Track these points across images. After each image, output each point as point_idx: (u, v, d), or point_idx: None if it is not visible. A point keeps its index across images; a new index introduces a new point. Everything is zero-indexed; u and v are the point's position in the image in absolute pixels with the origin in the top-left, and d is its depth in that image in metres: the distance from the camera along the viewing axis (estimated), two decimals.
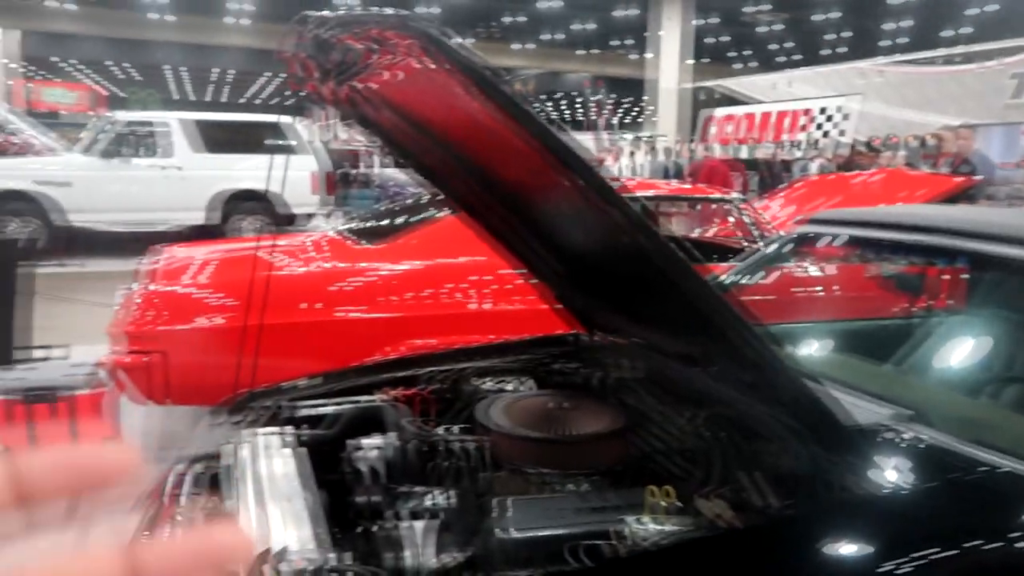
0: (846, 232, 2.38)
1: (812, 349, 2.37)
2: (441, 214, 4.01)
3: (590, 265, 1.78)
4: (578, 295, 2.07)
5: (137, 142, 9.56)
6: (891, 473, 1.31)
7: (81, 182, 9.01)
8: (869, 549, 1.21)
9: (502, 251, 2.09)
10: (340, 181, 12.87)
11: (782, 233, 3.47)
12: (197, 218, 9.45)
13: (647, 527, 1.34)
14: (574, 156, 1.13)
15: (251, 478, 1.53)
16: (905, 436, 1.44)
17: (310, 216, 10.31)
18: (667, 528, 1.34)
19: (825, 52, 29.78)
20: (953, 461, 1.38)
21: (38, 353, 4.69)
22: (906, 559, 1.13)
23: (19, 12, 25.69)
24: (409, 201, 4.94)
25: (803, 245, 2.52)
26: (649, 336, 1.83)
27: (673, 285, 1.18)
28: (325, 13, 1.36)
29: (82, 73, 35.97)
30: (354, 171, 14.62)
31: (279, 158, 9.64)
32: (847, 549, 1.22)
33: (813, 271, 3.33)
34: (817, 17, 25.19)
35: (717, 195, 4.38)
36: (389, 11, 1.18)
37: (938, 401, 1.79)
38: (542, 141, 1.13)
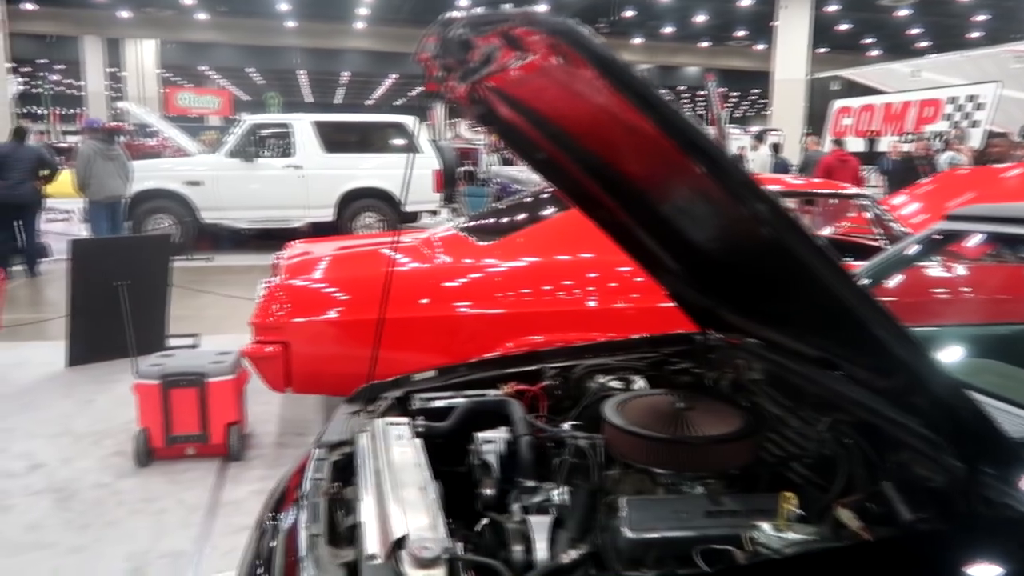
0: (988, 229, 2.22)
1: (952, 354, 2.22)
2: (553, 211, 4.03)
3: (717, 261, 1.73)
4: (698, 293, 2.02)
5: (263, 143, 10.10)
6: None
7: (211, 181, 9.60)
8: (1014, 572, 1.12)
9: (622, 248, 2.08)
10: (461, 178, 13.20)
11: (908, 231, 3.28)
12: (321, 215, 9.88)
13: (783, 535, 1.29)
14: (714, 148, 1.10)
15: (374, 466, 1.58)
16: None
17: (433, 213, 10.62)
18: (800, 536, 1.29)
19: (970, 37, 27.85)
20: None
21: (184, 341, 5.07)
22: None
23: (158, 24, 27.64)
24: (524, 199, 4.98)
25: (940, 243, 2.37)
26: (776, 336, 1.77)
27: (817, 282, 1.12)
28: (462, 13, 1.39)
29: (218, 79, 38.32)
30: (473, 169, 14.93)
31: (406, 156, 9.99)
32: (991, 571, 1.13)
33: (952, 270, 3.12)
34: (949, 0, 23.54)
35: (848, 191, 4.18)
36: (523, 9, 1.19)
37: None
38: (681, 133, 1.11)
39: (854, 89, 19.13)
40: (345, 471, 1.70)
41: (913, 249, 2.37)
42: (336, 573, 1.29)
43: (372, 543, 1.29)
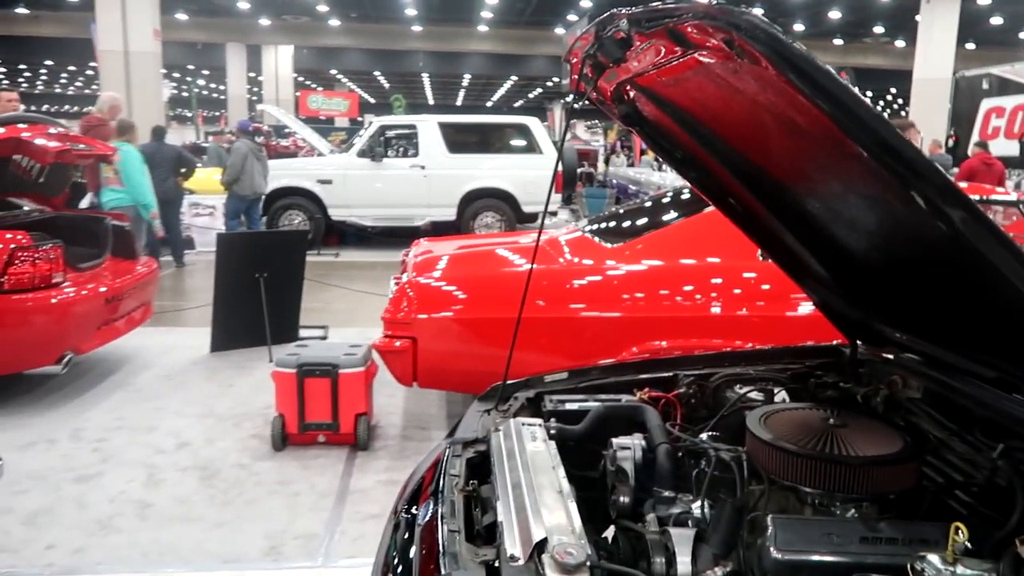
0: None
1: None
2: (677, 216, 3.94)
3: (876, 270, 1.63)
4: (848, 303, 1.91)
5: (389, 144, 10.44)
6: None
7: (340, 180, 10.00)
8: None
9: (767, 253, 2.00)
10: (581, 180, 13.20)
11: None
12: (443, 214, 10.11)
13: (954, 569, 1.19)
14: (909, 148, 1.02)
15: (510, 466, 1.57)
16: None
17: (552, 214, 10.67)
18: (974, 572, 1.18)
19: None
20: None
21: (315, 332, 5.31)
22: None
23: (294, 30, 29.12)
24: (648, 202, 4.90)
25: None
26: (941, 352, 1.64)
27: (1011, 293, 1.02)
28: (624, 9, 1.36)
29: (346, 82, 40.00)
30: (592, 170, 14.90)
31: (526, 157, 10.09)
32: None
33: None
34: None
35: (1005, 196, 3.86)
36: (694, 2, 1.14)
37: None
38: (872, 132, 1.04)
39: (1007, 87, 17.71)
40: (479, 469, 1.70)
41: None
42: (476, 571, 1.29)
43: (512, 544, 1.28)
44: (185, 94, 34.63)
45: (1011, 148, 16.25)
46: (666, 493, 1.63)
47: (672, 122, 1.73)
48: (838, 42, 31.07)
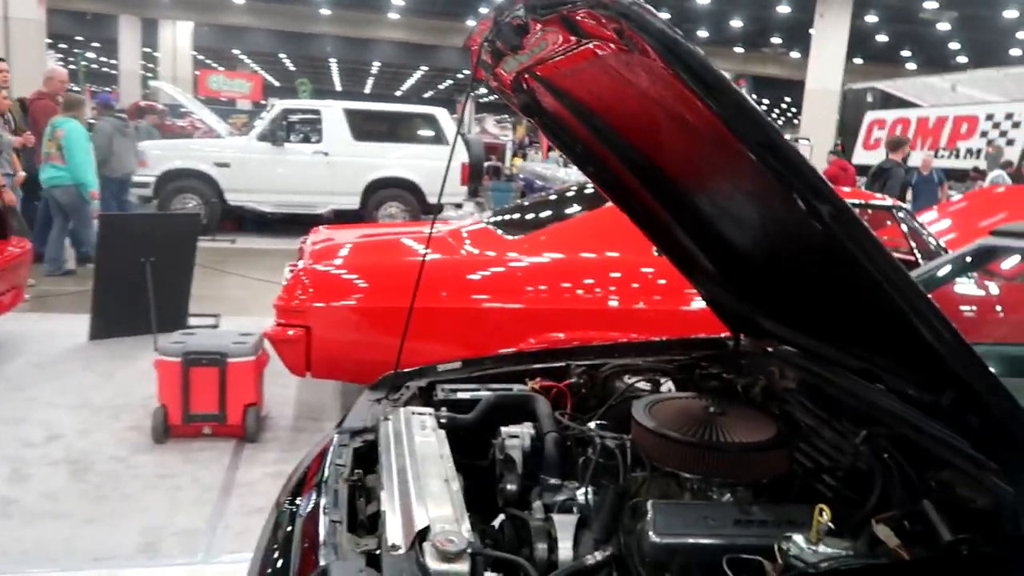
0: None
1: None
2: (580, 209, 4.00)
3: (759, 265, 1.69)
4: (734, 297, 1.98)
5: (292, 128, 10.13)
6: None
7: (239, 164, 9.64)
8: None
9: (659, 246, 2.04)
10: (488, 173, 13.20)
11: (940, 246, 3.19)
12: (347, 203, 9.90)
13: (816, 548, 1.25)
14: (784, 144, 1.05)
15: (397, 455, 1.55)
16: None
17: (458, 206, 10.61)
18: (834, 551, 1.24)
19: (1009, 53, 27.33)
20: None
21: (205, 320, 5.09)
22: None
23: (194, 5, 27.84)
24: (551, 195, 4.95)
25: (984, 259, 2.30)
26: (815, 345, 1.72)
27: (883, 295, 1.07)
28: None
29: (250, 63, 38.60)
30: (499, 164, 14.93)
31: (432, 148, 9.99)
32: None
33: (994, 288, 3.04)
34: (992, 14, 23.09)
35: (880, 202, 4.10)
36: None
37: None
38: (752, 127, 1.05)
39: (889, 101, 18.89)
40: (366, 459, 1.67)
41: (956, 264, 2.30)
42: (356, 561, 1.27)
43: (394, 533, 1.26)
44: (72, 67, 32.55)
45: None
46: (552, 481, 1.65)
47: (569, 114, 1.74)
48: (739, 50, 32.33)
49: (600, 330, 3.43)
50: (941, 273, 2.28)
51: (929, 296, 1.07)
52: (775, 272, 1.68)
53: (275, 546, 1.62)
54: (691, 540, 1.38)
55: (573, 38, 1.27)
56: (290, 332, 3.34)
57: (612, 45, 1.17)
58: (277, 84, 43.59)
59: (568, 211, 4.18)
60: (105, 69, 40.72)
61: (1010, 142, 14.49)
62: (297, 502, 1.69)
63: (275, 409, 3.93)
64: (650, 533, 1.39)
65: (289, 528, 1.59)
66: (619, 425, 1.78)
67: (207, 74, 29.01)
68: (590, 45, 1.26)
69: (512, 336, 3.40)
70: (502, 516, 1.56)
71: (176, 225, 5.59)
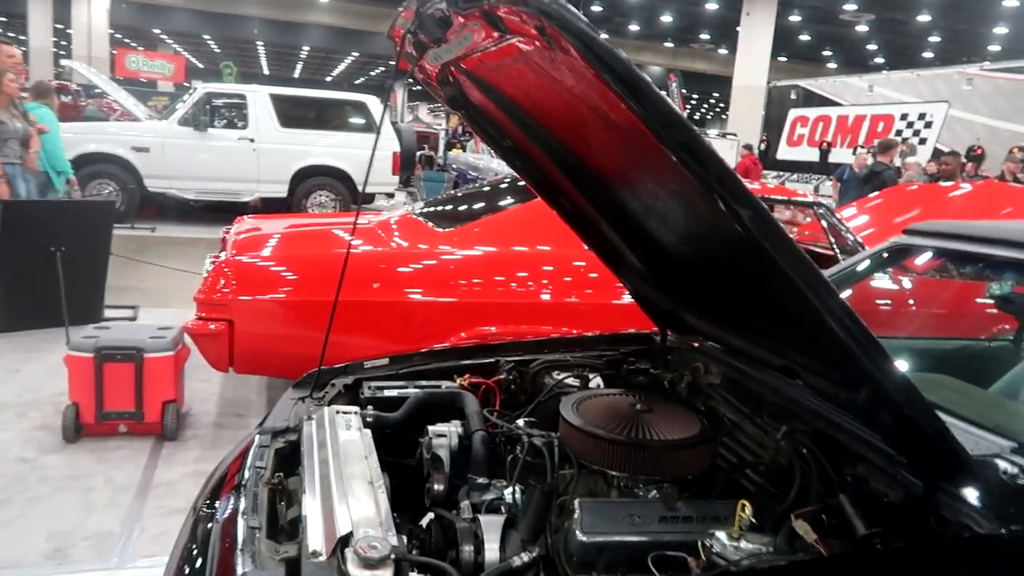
0: (944, 245, 2.24)
1: (902, 367, 2.24)
2: (512, 202, 3.99)
3: (684, 262, 1.70)
4: (660, 293, 1.99)
5: (216, 113, 9.80)
6: (1001, 510, 1.20)
7: (158, 148, 9.27)
8: None
9: (586, 242, 2.04)
10: (420, 163, 13.06)
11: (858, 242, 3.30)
12: (273, 191, 9.64)
13: (738, 544, 1.27)
14: (702, 144, 1.05)
15: (320, 456, 1.51)
16: (1010, 469, 1.32)
17: (389, 196, 10.46)
18: (755, 547, 1.27)
19: (923, 55, 28.55)
20: None
21: (123, 313, 4.87)
22: None
23: None
24: (484, 187, 4.92)
25: (897, 257, 2.39)
26: (738, 341, 1.75)
27: (795, 291, 1.09)
28: None
29: (172, 44, 37.14)
30: (432, 154, 14.79)
31: (365, 136, 9.82)
32: None
33: (906, 284, 3.16)
34: (907, 18, 24.11)
35: (802, 199, 4.22)
36: None
37: None
38: (669, 127, 1.06)
39: (811, 99, 19.51)
40: (289, 460, 1.63)
41: (871, 262, 2.38)
42: (275, 569, 1.22)
43: (315, 539, 1.23)
44: None
45: (813, 155, 17.96)
46: (480, 480, 1.64)
47: (496, 108, 1.72)
48: (669, 45, 32.88)
49: (533, 324, 3.43)
50: (858, 270, 2.36)
51: (840, 295, 1.09)
52: (698, 269, 1.70)
53: (190, 553, 1.56)
54: (617, 538, 1.39)
55: (496, 33, 1.25)
56: (211, 326, 3.22)
57: (536, 42, 1.16)
58: (201, 66, 42.13)
59: (499, 204, 4.16)
60: (14, 46, 38.53)
61: (923, 141, 15.16)
62: (215, 506, 1.63)
63: (196, 405, 3.80)
64: (577, 532, 1.39)
65: (206, 532, 1.53)
66: (548, 422, 1.78)
67: (125, 53, 27.75)
68: (513, 41, 1.24)
69: (443, 330, 3.37)
70: (431, 516, 1.54)
71: (88, 213, 5.31)
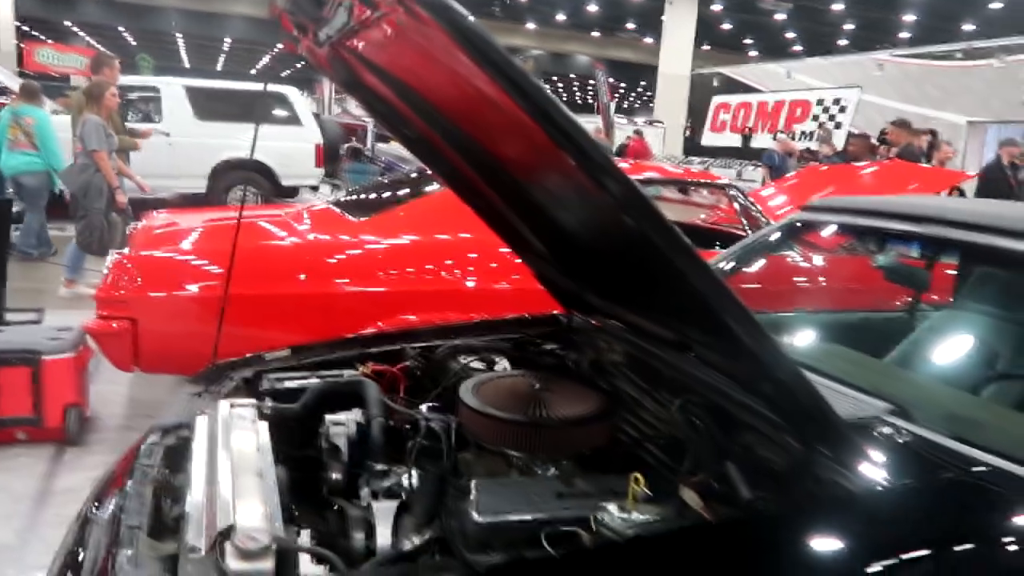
0: (840, 220, 2.32)
1: (796, 339, 2.30)
2: (430, 188, 3.94)
3: (579, 244, 1.71)
4: (563, 275, 2.00)
5: (128, 106, 9.41)
6: (872, 469, 1.25)
7: (67, 145, 8.85)
8: (846, 548, 1.15)
9: (491, 227, 2.03)
10: (346, 155, 12.82)
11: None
12: (192, 186, 9.32)
13: (628, 516, 1.28)
14: (573, 128, 1.04)
15: (209, 451, 1.46)
16: (886, 431, 1.37)
17: (314, 188, 10.25)
18: (645, 517, 1.28)
19: (839, 42, 29.49)
20: (937, 458, 1.32)
21: (26, 316, 4.62)
22: (885, 560, 1.08)
23: None
24: (401, 176, 4.86)
25: (795, 233, 2.45)
26: (636, 319, 1.77)
27: (673, 269, 1.10)
28: None
29: (85, 36, 35.56)
30: (360, 146, 14.53)
31: (285, 129, 9.58)
32: (824, 547, 1.16)
33: (803, 260, 3.26)
34: (823, 6, 24.89)
35: (711, 180, 4.31)
36: None
37: (923, 396, 1.73)
38: (538, 111, 1.04)
39: (733, 86, 19.99)
40: (179, 457, 1.57)
41: (771, 238, 2.44)
42: (153, 568, 1.18)
43: (194, 535, 1.18)
44: None
45: (736, 140, 18.42)
46: (379, 467, 1.61)
47: (390, 92, 1.68)
48: (596, 34, 33.16)
49: (458, 312, 3.38)
50: (757, 246, 2.41)
51: (713, 271, 1.11)
52: (594, 250, 1.71)
53: (73, 557, 1.49)
54: (514, 517, 1.39)
55: (368, 11, 1.22)
56: (113, 325, 3.09)
57: (402, 16, 1.13)
58: (119, 60, 40.48)
59: (419, 191, 4.11)
60: None
61: (838, 125, 15.71)
62: (101, 507, 1.57)
63: (103, 408, 3.64)
64: (473, 513, 1.38)
65: (89, 536, 1.47)
66: (454, 407, 1.76)
67: (34, 47, 26.45)
68: (386, 19, 1.21)
69: (362, 320, 3.31)
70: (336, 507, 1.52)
71: None
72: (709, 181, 4.39)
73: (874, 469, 1.24)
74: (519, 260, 3.48)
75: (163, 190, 9.25)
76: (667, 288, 1.37)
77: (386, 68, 1.58)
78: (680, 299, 1.33)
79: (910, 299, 2.54)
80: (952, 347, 2.11)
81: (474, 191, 1.90)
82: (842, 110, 16.06)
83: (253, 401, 1.73)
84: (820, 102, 16.66)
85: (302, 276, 3.31)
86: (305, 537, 1.47)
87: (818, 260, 3.04)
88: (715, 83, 20.67)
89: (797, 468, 1.28)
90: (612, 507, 1.34)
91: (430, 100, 1.61)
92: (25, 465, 3.07)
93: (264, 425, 1.61)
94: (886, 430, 1.39)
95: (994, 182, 8.57)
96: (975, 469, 1.28)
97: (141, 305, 3.11)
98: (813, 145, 13.25)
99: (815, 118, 16.55)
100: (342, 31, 1.44)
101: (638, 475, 1.41)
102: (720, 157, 17.94)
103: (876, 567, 1.07)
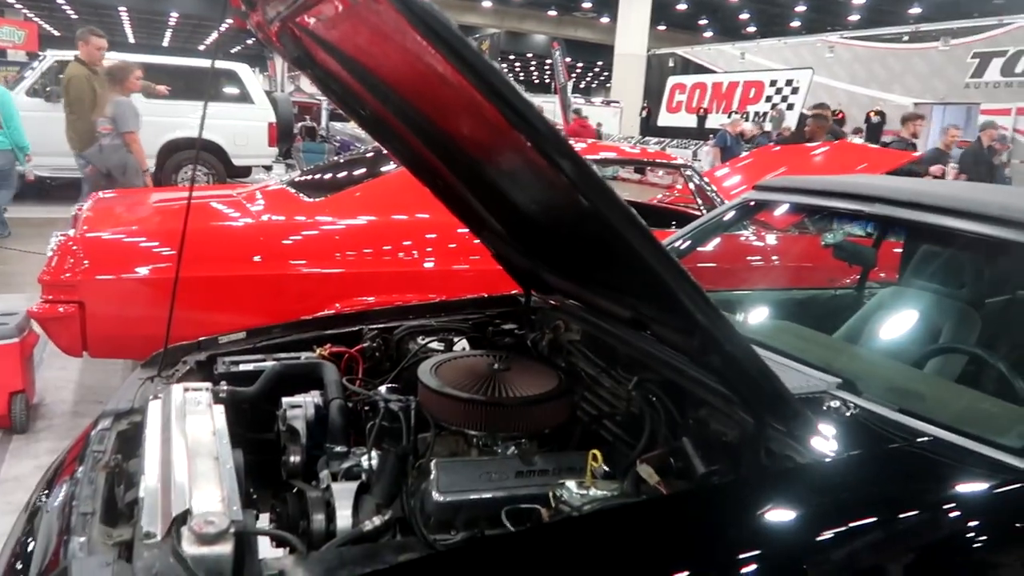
0: (789, 199, 2.36)
1: (749, 316, 2.35)
2: (387, 168, 3.90)
3: (535, 223, 1.71)
4: (520, 254, 2.00)
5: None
6: (820, 441, 1.28)
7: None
8: (796, 517, 1.18)
9: (448, 207, 2.02)
10: (300, 134, 12.60)
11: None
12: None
13: (586, 492, 1.30)
14: (526, 107, 1.03)
15: (162, 436, 1.44)
16: (833, 404, 1.42)
17: (267, 168, 10.04)
18: (602, 493, 1.30)
19: (792, 24, 29.84)
20: (881, 429, 1.36)
21: None
22: (832, 529, 1.11)
23: None
24: (357, 155, 4.80)
25: (748, 212, 2.49)
26: (591, 297, 1.78)
27: (627, 246, 1.11)
28: None
29: (21, 9, 34.11)
30: (314, 125, 14.27)
31: (236, 107, 9.36)
32: (775, 517, 1.19)
33: (756, 238, 3.31)
34: None
35: (667, 160, 4.35)
36: None
37: (870, 370, 1.79)
38: (491, 91, 1.03)
39: (688, 67, 20.13)
40: (131, 442, 1.54)
41: (723, 217, 2.48)
42: (107, 554, 1.16)
43: (150, 520, 1.17)
44: None
45: (691, 121, 18.58)
46: (338, 448, 1.61)
47: (342, 70, 1.65)
48: (552, 13, 33.01)
49: (417, 293, 3.36)
50: (710, 225, 2.45)
51: (664, 248, 1.12)
52: (549, 228, 1.72)
53: (23, 546, 1.46)
54: (474, 496, 1.40)
55: None
56: (60, 309, 3.00)
57: None
58: (57, 34, 38.98)
59: (370, 172, 4.06)
60: None
61: (790, 106, 15.95)
62: (52, 494, 1.53)
63: (50, 394, 3.55)
64: (433, 492, 1.39)
65: (39, 524, 1.44)
66: (412, 387, 1.76)
67: None
68: None
69: (318, 302, 3.27)
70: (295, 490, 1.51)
71: None
72: (665, 161, 4.42)
73: (824, 441, 1.28)
74: (476, 240, 3.50)
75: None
76: (620, 265, 1.38)
77: (338, 45, 1.56)
78: (633, 276, 1.34)
79: (855, 276, 2.61)
80: (898, 323, 2.18)
81: (429, 170, 1.89)
82: (795, 91, 16.31)
83: (208, 385, 1.70)
84: (773, 83, 16.89)
85: (256, 258, 3.26)
86: (264, 521, 1.47)
87: (771, 239, 3.09)
88: (670, 63, 20.78)
89: (749, 441, 1.32)
90: (571, 483, 1.36)
91: (383, 78, 1.59)
92: None
93: (220, 409, 1.58)
94: (834, 403, 1.43)
95: (976, 164, 8.93)
96: (919, 440, 1.33)
97: (89, 288, 3.03)
98: (767, 126, 13.46)
99: (768, 99, 16.78)
100: (292, 7, 1.41)
101: (596, 452, 1.44)
102: (676, 137, 18.09)
103: (827, 535, 1.10)
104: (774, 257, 3.33)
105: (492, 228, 2.01)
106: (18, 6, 34.05)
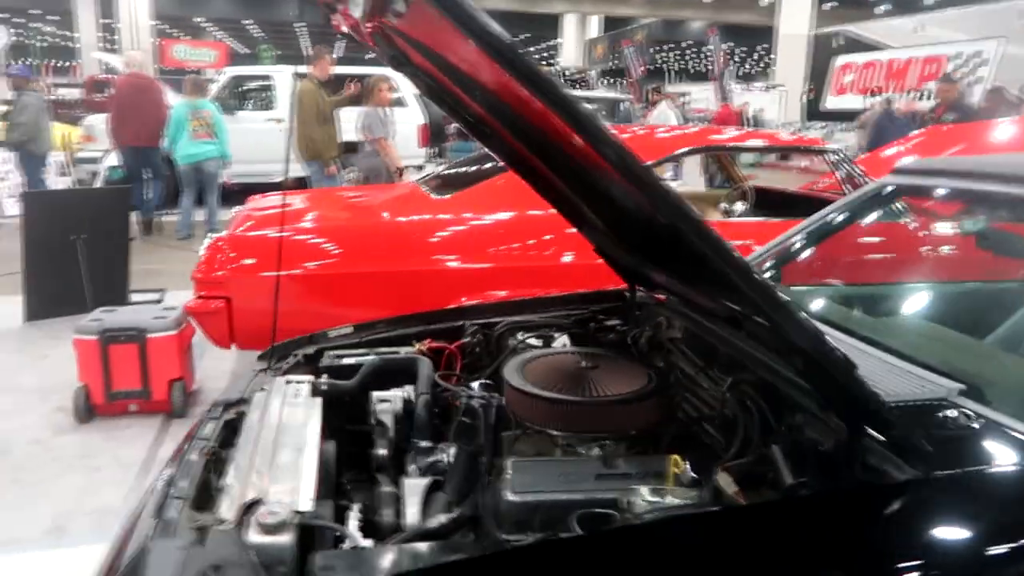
0: (933, 183, 2.11)
1: (871, 312, 2.12)
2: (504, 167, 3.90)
3: (632, 217, 1.64)
4: (623, 250, 1.93)
5: (245, 96, 9.89)
6: (929, 455, 1.12)
7: None
8: (880, 540, 1.04)
9: (551, 203, 1.98)
10: (452, 134, 13.01)
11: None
12: (303, 169, 9.70)
13: (657, 499, 1.22)
14: (601, 134, 1.03)
15: (258, 426, 1.51)
16: (951, 414, 1.24)
17: (419, 168, 10.46)
18: (674, 501, 1.22)
19: None
20: (1005, 445, 1.17)
21: (149, 296, 4.98)
22: (924, 556, 0.97)
23: None
24: (478, 154, 4.85)
25: (884, 199, 2.25)
26: (692, 293, 1.68)
27: (687, 239, 1.08)
28: None
29: (214, 31, 37.70)
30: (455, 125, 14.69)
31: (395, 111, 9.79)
32: (854, 537, 1.06)
33: (892, 228, 2.98)
34: None
35: (821, 147, 4.04)
36: None
37: (1002, 376, 1.55)
38: (570, 118, 1.04)
39: (857, 45, 18.72)
40: (234, 432, 1.63)
41: (859, 204, 2.26)
42: (185, 537, 1.23)
43: (227, 507, 1.22)
44: (28, 41, 31.65)
45: (858, 103, 17.24)
46: (423, 444, 1.62)
47: (439, 72, 1.65)
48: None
49: (546, 287, 3.33)
50: (845, 214, 2.24)
51: (728, 245, 1.04)
52: (640, 223, 1.63)
53: (132, 522, 1.58)
54: (548, 497, 1.35)
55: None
56: (210, 305, 3.26)
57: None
58: (245, 51, 42.67)
59: (490, 168, 4.07)
60: (66, 43, 39.65)
61: (978, 80, 14.41)
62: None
63: (208, 383, 3.86)
64: (506, 492, 1.36)
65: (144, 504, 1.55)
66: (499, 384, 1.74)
67: (170, 44, 28.23)
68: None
69: (447, 298, 3.33)
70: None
71: (104, 200, 5.40)
72: (810, 146, 4.12)
73: (924, 454, 1.12)
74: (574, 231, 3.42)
75: (276, 174, 9.70)
76: (697, 260, 1.29)
77: (427, 44, 1.55)
78: (709, 272, 1.25)
79: (1005, 269, 2.28)
80: None
81: (529, 169, 1.86)
82: (983, 64, 14.71)
83: (310, 377, 1.77)
84: (957, 56, 15.33)
85: (384, 254, 3.37)
86: (355, 512, 1.49)
87: (911, 227, 2.78)
88: (835, 43, 19.42)
89: (842, 452, 1.18)
90: (644, 490, 1.28)
91: (468, 78, 1.57)
92: (135, 435, 3.31)
93: (318, 401, 1.64)
94: (952, 413, 1.25)
95: None
96: None
97: (234, 284, 3.26)
98: (924, 105, 12.23)
99: (946, 76, 15.25)
100: (378, 7, 1.42)
101: (677, 457, 1.35)
102: (845, 121, 16.88)
103: (909, 563, 0.96)
104: (914, 247, 2.99)
105: (591, 222, 1.95)
106: (210, 28, 37.60)
